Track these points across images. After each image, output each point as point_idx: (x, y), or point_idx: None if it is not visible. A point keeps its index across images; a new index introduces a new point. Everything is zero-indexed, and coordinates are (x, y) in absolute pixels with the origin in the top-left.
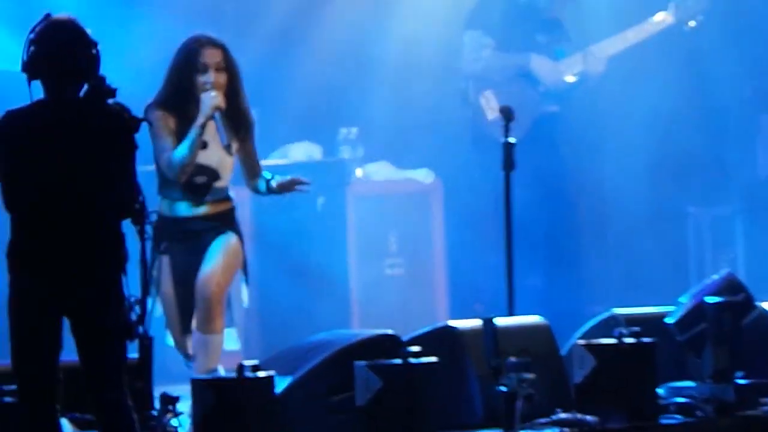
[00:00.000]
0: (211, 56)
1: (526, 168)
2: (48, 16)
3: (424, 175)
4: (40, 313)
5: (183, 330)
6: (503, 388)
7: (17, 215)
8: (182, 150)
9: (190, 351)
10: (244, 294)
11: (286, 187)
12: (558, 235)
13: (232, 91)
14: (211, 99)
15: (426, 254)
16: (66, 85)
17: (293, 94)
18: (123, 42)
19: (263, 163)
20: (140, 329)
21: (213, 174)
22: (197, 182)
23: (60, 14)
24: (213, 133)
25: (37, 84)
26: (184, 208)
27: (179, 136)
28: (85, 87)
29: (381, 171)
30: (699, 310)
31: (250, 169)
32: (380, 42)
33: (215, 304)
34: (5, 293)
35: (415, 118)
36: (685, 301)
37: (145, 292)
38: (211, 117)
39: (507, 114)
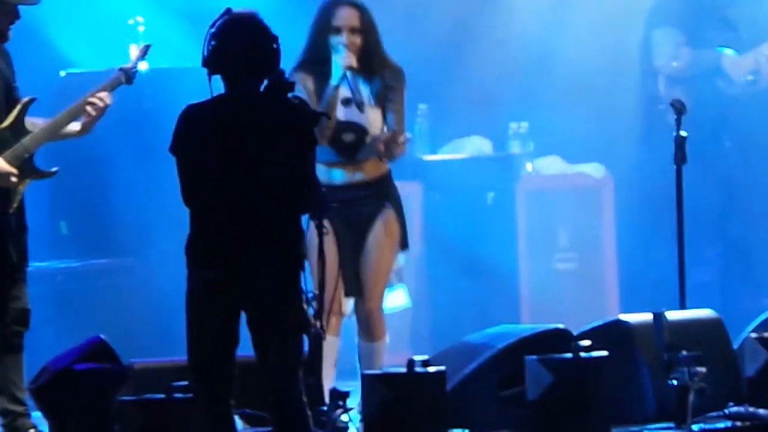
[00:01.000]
0: (345, 18)
1: (707, 162)
2: (229, 10)
3: (594, 170)
4: (219, 307)
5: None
6: (675, 382)
7: (196, 210)
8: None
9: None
10: (401, 260)
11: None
12: (731, 229)
13: (368, 52)
14: (342, 60)
15: (597, 249)
16: (247, 81)
17: (464, 88)
18: None
19: (433, 157)
20: (318, 325)
21: (361, 130)
22: (346, 140)
23: (241, 9)
24: (359, 91)
25: (217, 79)
26: (340, 175)
27: (318, 95)
28: (265, 82)
29: (551, 165)
30: None
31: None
32: (552, 36)
33: (376, 315)
34: (181, 289)
35: (586, 113)
36: None
37: (322, 287)
38: (344, 77)
39: (679, 107)
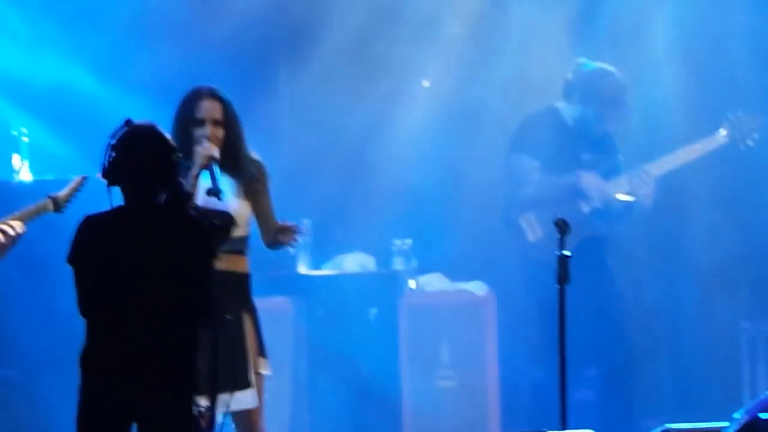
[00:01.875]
0: (208, 110)
1: (575, 284)
2: (129, 121)
3: (477, 288)
4: (109, 419)
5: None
6: None
7: (93, 321)
8: None
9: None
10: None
11: (282, 232)
12: (609, 350)
13: (231, 146)
14: (203, 150)
15: (479, 366)
16: (146, 193)
17: (347, 203)
18: None
19: (317, 272)
20: None
21: (228, 220)
22: (215, 224)
23: (140, 121)
24: (228, 183)
25: (116, 190)
26: None
27: None
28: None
29: (434, 282)
30: (753, 427)
31: (264, 226)
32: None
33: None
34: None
35: (468, 231)
36: (739, 416)
37: (214, 398)
38: (206, 167)
39: (562, 227)
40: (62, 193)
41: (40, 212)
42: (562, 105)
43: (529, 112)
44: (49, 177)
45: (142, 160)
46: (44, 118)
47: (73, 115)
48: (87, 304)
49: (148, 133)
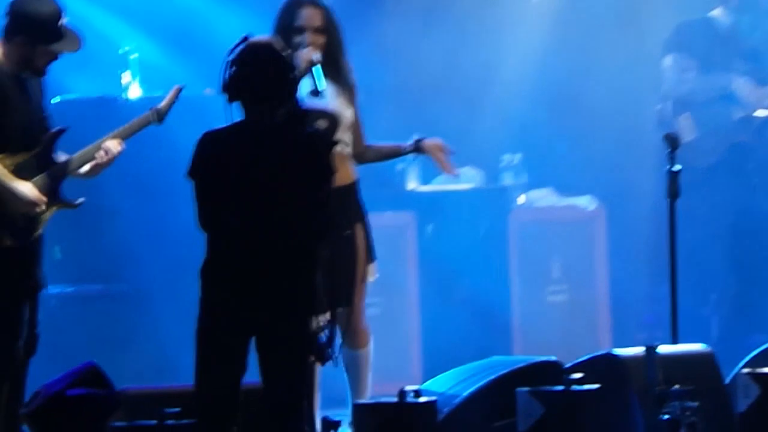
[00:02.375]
0: (308, 18)
1: (715, 193)
2: (246, 38)
3: (587, 202)
4: (229, 332)
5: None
6: (666, 417)
7: (211, 234)
8: None
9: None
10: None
11: (431, 151)
12: (727, 265)
13: (331, 52)
14: (304, 54)
15: (589, 281)
16: (265, 109)
17: (459, 119)
18: None
19: (427, 188)
20: (330, 352)
21: (333, 119)
22: (320, 126)
23: (259, 37)
24: (324, 84)
25: (235, 106)
26: None
27: None
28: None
29: (544, 198)
30: None
31: (356, 140)
32: (549, 66)
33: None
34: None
35: (578, 145)
36: None
37: (334, 314)
38: (308, 71)
39: (673, 141)
40: (163, 104)
41: (143, 126)
42: (717, 12)
43: (684, 19)
44: (159, 94)
45: (262, 76)
46: (153, 34)
47: (181, 30)
48: (207, 217)
49: (268, 49)
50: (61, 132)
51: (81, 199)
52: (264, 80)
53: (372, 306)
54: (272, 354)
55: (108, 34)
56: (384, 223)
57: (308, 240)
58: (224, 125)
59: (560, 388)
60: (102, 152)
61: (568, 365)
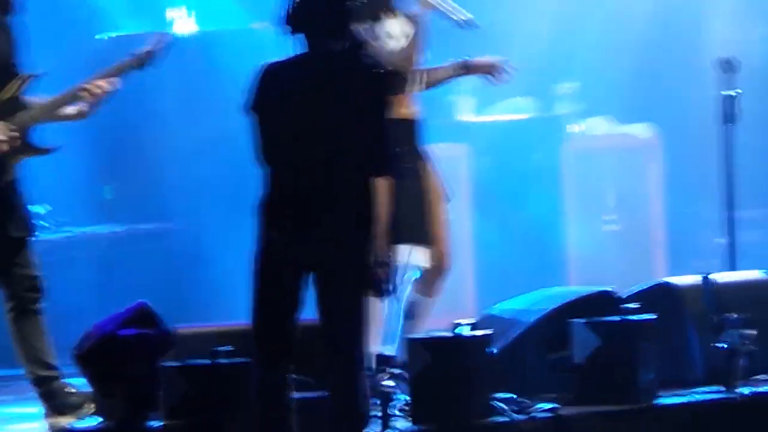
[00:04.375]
0: None
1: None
2: None
3: (642, 131)
4: (287, 268)
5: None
6: (724, 345)
7: (271, 169)
8: None
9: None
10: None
11: (484, 70)
12: None
13: None
14: None
15: (644, 210)
16: (328, 40)
17: (510, 47)
18: None
19: (480, 119)
20: (389, 287)
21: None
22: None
23: None
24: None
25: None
26: None
27: None
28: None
29: (599, 126)
30: None
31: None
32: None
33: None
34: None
35: (635, 73)
36: None
37: (392, 249)
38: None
39: (728, 66)
40: (143, 50)
41: (123, 71)
42: None
43: None
44: (207, 28)
45: (322, 6)
46: None
47: None
48: (268, 151)
49: None
50: (29, 77)
51: (52, 146)
52: (325, 12)
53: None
54: (329, 290)
55: None
56: (437, 155)
57: (367, 174)
58: (283, 57)
59: (616, 318)
60: (85, 93)
61: (624, 295)
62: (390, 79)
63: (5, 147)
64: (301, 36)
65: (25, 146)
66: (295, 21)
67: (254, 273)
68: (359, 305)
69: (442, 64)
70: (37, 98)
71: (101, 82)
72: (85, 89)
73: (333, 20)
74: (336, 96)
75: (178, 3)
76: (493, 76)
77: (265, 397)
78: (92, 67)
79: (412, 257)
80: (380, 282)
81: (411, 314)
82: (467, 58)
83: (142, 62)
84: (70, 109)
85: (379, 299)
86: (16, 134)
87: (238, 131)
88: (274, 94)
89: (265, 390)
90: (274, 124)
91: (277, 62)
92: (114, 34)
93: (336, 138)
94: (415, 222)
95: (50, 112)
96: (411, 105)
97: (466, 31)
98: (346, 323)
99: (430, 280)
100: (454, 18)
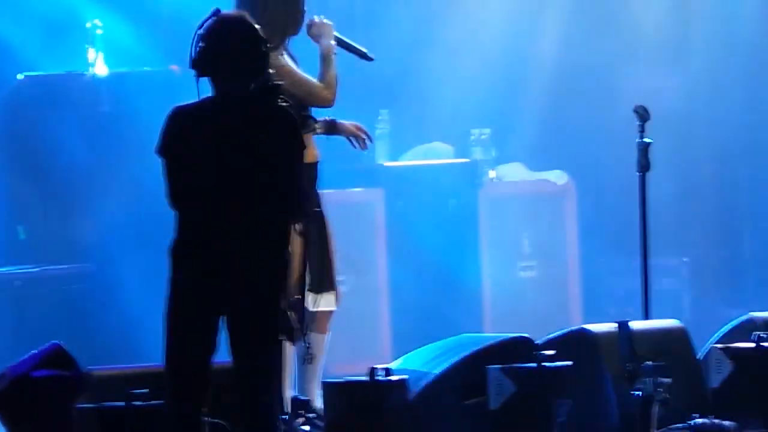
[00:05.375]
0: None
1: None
2: (217, 11)
3: (557, 177)
4: (199, 312)
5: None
6: (639, 393)
7: (181, 212)
8: None
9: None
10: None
11: (349, 131)
12: (692, 237)
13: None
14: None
15: (560, 256)
16: (236, 83)
17: (425, 93)
18: None
19: (395, 163)
20: (301, 331)
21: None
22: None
23: (229, 11)
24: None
25: (204, 81)
26: None
27: None
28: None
29: (514, 172)
30: None
31: None
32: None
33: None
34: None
35: (547, 119)
36: None
37: (303, 292)
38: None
39: (643, 114)
40: None
41: None
42: None
43: None
44: (123, 69)
45: (233, 49)
46: (118, 10)
47: (146, 6)
48: (177, 195)
49: (239, 22)
50: None
51: None
52: (235, 54)
53: (341, 283)
54: (243, 333)
55: (72, 7)
56: (353, 199)
57: (280, 217)
58: (193, 100)
59: (533, 365)
60: None
61: (539, 342)
62: (302, 121)
63: None
64: (209, 78)
65: None
66: (202, 63)
67: (167, 316)
68: (273, 349)
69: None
70: None
71: None
72: None
73: (243, 61)
74: (246, 138)
75: (94, 43)
76: (356, 139)
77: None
78: (14, 105)
79: (323, 301)
80: (292, 326)
81: (310, 357)
82: (334, 119)
83: None
84: None
85: (290, 343)
86: None
87: (153, 173)
88: (183, 137)
89: (180, 423)
90: (182, 168)
91: (186, 105)
92: (35, 73)
93: (248, 181)
94: (322, 267)
95: None
96: (314, 147)
97: (365, 62)
98: (261, 367)
99: (324, 318)
100: (358, 52)
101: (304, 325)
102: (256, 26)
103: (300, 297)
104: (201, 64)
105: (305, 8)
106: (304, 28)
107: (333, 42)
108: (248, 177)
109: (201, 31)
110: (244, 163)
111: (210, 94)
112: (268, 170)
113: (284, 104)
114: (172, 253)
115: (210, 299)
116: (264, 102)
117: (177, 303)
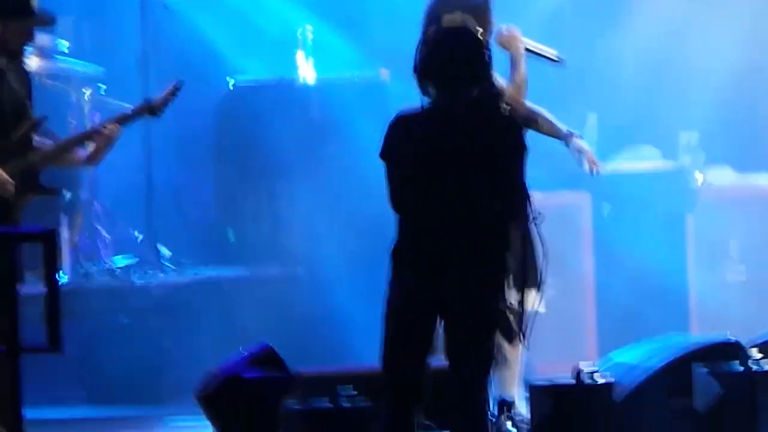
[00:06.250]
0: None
1: None
2: (438, 17)
3: (766, 181)
4: (419, 313)
5: None
6: None
7: (403, 215)
8: None
9: None
10: None
11: (576, 153)
12: None
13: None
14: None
15: None
16: (459, 89)
17: (631, 97)
18: None
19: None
20: (521, 333)
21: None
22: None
23: (452, 16)
24: None
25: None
26: None
27: None
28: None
29: (722, 176)
30: None
31: None
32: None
33: None
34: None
35: (757, 122)
36: None
37: (523, 295)
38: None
39: None
40: (158, 98)
41: (137, 116)
42: None
43: None
44: (332, 75)
45: (455, 56)
46: (328, 16)
47: (356, 12)
48: (399, 198)
49: (461, 30)
50: (40, 120)
51: (60, 189)
52: (455, 60)
53: (548, 287)
54: (459, 334)
55: (279, 12)
56: (559, 203)
57: (499, 221)
58: (416, 107)
59: (740, 367)
60: (97, 136)
61: (747, 345)
62: (522, 127)
63: (11, 188)
64: (430, 84)
65: (33, 186)
66: (422, 70)
67: (386, 316)
68: (488, 350)
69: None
70: (48, 141)
71: (112, 127)
72: (96, 133)
73: (463, 69)
74: (466, 145)
75: (304, 48)
76: (584, 160)
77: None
78: (226, 110)
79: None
80: (511, 328)
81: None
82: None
83: (155, 109)
84: (81, 153)
85: (513, 346)
86: (10, 181)
87: (365, 178)
88: (403, 142)
89: (396, 424)
90: (403, 172)
91: (410, 111)
92: (246, 79)
93: (470, 186)
94: (534, 266)
95: (59, 155)
96: None
97: (558, 68)
98: (474, 368)
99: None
100: (548, 57)
101: (524, 327)
102: (479, 32)
103: (520, 300)
104: (423, 70)
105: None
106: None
107: (522, 49)
108: (469, 181)
109: (424, 38)
110: (465, 167)
111: (431, 101)
112: (489, 174)
113: (507, 109)
114: (393, 255)
115: (429, 301)
116: (486, 108)
117: (397, 304)
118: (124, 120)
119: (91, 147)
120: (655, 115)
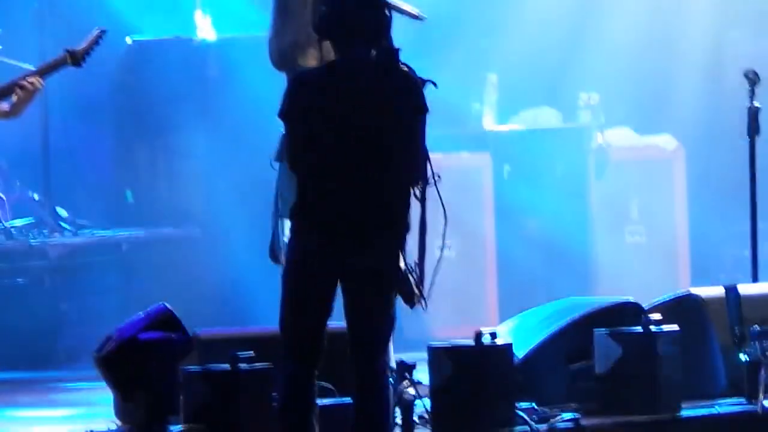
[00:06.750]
0: None
1: None
2: None
3: (666, 142)
4: (320, 274)
5: None
6: (746, 357)
7: (303, 176)
8: None
9: None
10: None
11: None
12: None
13: None
14: None
15: (668, 222)
16: (356, 46)
17: (531, 57)
18: None
19: (503, 128)
20: (420, 295)
21: None
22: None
23: None
24: None
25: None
26: None
27: None
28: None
29: (622, 137)
30: None
31: None
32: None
33: None
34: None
35: (656, 84)
36: None
37: (422, 257)
38: None
39: (753, 78)
40: (80, 47)
41: (58, 67)
42: None
43: None
44: (231, 34)
45: (354, 13)
46: None
47: None
48: (298, 159)
49: None
50: None
51: None
52: (356, 18)
53: (448, 247)
54: (359, 296)
55: None
56: (460, 164)
57: (403, 181)
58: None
59: (639, 329)
60: (19, 90)
61: (647, 306)
62: (423, 84)
63: None
64: (331, 43)
65: None
66: (322, 28)
67: (285, 278)
68: (388, 312)
69: None
70: None
71: (34, 79)
72: (17, 86)
73: (363, 26)
74: (369, 101)
75: (199, 7)
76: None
77: (291, 391)
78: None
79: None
80: (411, 290)
81: None
82: None
83: (78, 59)
84: (2, 106)
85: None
86: None
87: (260, 137)
88: (303, 100)
89: (293, 383)
90: (303, 131)
91: (310, 69)
92: (143, 38)
93: (371, 145)
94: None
95: None
96: None
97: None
98: (375, 330)
99: None
100: (408, 13)
101: (422, 289)
102: None
103: (419, 261)
104: (323, 28)
105: None
106: None
107: None
108: (370, 140)
109: None
110: (367, 126)
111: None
112: (391, 134)
113: (406, 68)
114: (293, 216)
115: (329, 262)
116: (386, 66)
117: (296, 265)
118: (45, 71)
119: (13, 98)
120: (557, 76)
